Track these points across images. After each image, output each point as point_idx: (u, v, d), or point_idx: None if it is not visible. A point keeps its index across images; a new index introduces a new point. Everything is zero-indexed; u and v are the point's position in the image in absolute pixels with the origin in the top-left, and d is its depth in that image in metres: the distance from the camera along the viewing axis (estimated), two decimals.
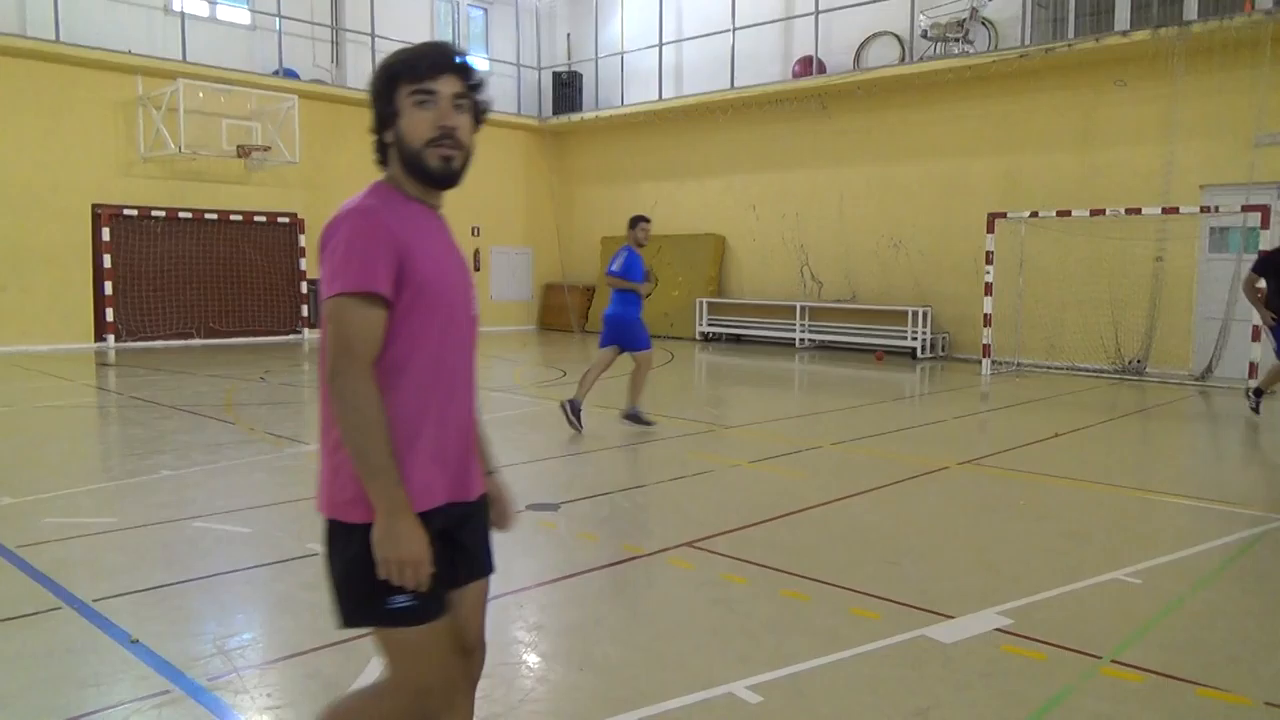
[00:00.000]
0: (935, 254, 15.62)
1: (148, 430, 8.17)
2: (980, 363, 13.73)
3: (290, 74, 17.38)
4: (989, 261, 13.35)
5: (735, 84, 17.82)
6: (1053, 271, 13.86)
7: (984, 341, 13.55)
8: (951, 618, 4.01)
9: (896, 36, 16.22)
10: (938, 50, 15.36)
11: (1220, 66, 12.18)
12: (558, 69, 21.48)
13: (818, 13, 16.77)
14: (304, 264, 17.80)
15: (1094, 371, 13.24)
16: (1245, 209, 11.19)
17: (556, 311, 21.53)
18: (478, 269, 20.92)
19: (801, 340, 17.16)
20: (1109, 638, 3.84)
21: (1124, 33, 12.99)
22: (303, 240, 17.74)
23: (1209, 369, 12.44)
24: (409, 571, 1.88)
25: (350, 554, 1.95)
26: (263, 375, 12.43)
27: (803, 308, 17.10)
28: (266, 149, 16.35)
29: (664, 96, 19.26)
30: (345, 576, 1.98)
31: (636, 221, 8.60)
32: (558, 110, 21.11)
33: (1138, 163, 13.31)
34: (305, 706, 3.14)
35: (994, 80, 14.66)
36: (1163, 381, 12.53)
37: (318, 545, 4.78)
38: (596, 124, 20.66)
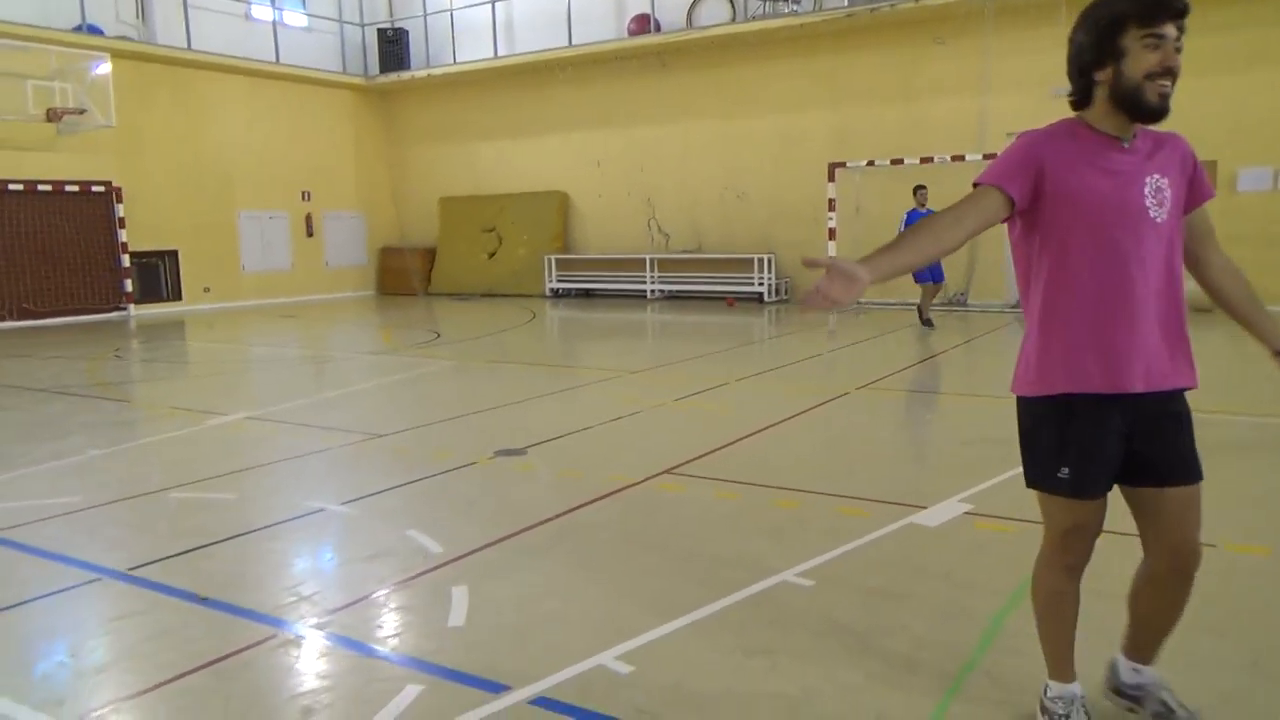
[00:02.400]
0: (775, 203, 16.59)
1: (33, 415, 7.66)
2: None
3: (93, 30, 16.01)
4: (831, 209, 14.39)
5: (573, 41, 18.00)
6: (883, 216, 15.07)
7: None
8: (925, 507, 4.67)
9: None
10: (767, 10, 16.19)
11: (1025, 25, 13.63)
12: (381, 25, 20.83)
13: None
14: (123, 235, 16.58)
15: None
16: None
17: (397, 275, 21.11)
18: (310, 235, 20.17)
19: (652, 291, 17.79)
20: None
21: None
22: (120, 210, 16.50)
23: None
24: (818, 299, 2.10)
25: (1028, 426, 2.45)
26: (116, 352, 11.69)
27: (652, 259, 17.72)
28: (81, 112, 15.06)
29: (498, 54, 19.17)
30: (1027, 445, 2.46)
31: (917, 189, 12.02)
32: (385, 69, 20.51)
33: (953, 114, 14.68)
34: (405, 637, 3.36)
35: (822, 38, 15.66)
36: (984, 311, 14.04)
37: (317, 502, 4.90)
38: (429, 83, 20.27)
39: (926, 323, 12.30)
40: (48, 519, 4.77)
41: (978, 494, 4.86)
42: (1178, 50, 2.22)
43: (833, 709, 2.78)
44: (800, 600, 3.60)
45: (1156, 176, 2.30)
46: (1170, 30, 2.19)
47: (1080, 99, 2.36)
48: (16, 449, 6.36)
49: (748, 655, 3.13)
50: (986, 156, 13.51)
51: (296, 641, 3.31)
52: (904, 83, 15.15)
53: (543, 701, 2.85)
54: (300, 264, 19.98)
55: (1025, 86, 13.92)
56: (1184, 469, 2.37)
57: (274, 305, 18.58)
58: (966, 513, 4.59)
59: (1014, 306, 14.05)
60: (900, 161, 14.07)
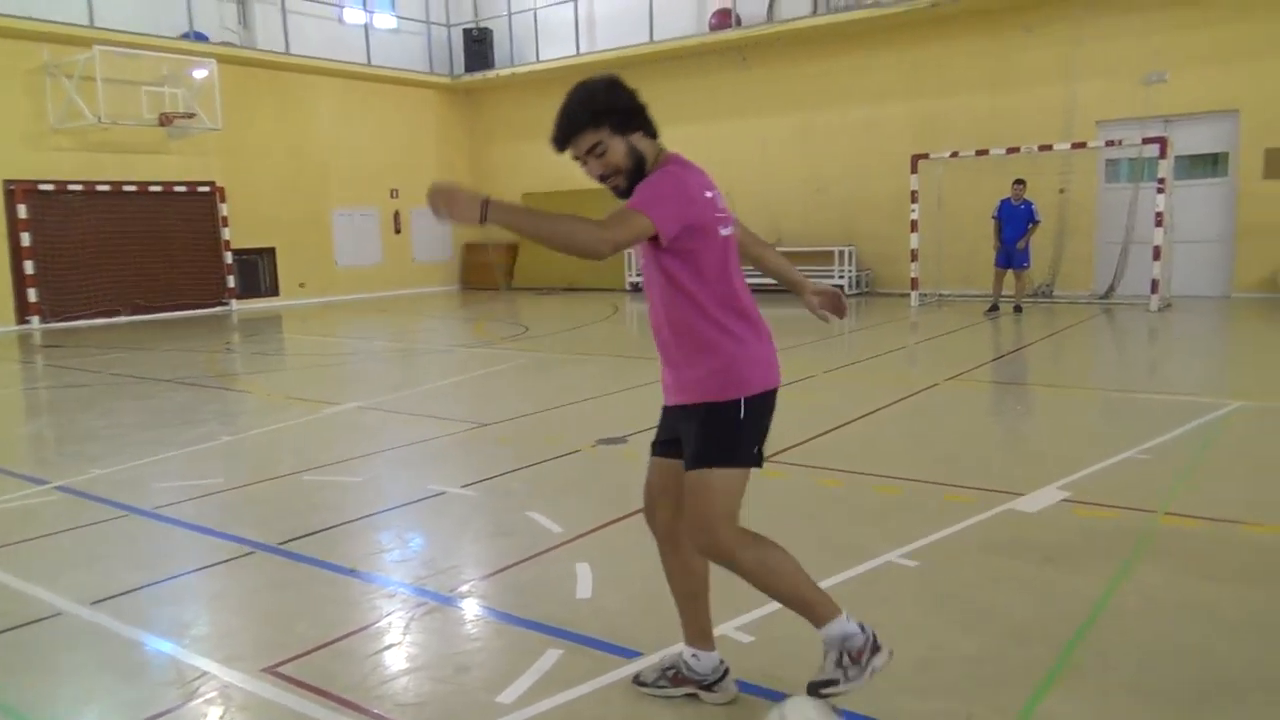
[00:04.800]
0: (857, 196, 16.58)
1: (168, 403, 8.22)
2: (908, 295, 14.81)
3: (199, 37, 16.82)
4: (914, 200, 14.36)
5: (654, 37, 18.23)
6: (966, 207, 14.96)
7: (912, 275, 14.61)
8: (1023, 494, 4.80)
9: None
10: (850, 1, 16.18)
11: (1117, 11, 13.41)
12: (467, 25, 21.36)
13: None
14: (227, 233, 17.39)
15: (1008, 297, 14.45)
16: (1145, 141, 12.48)
17: (480, 270, 21.66)
18: (398, 231, 20.82)
19: None
20: (1153, 497, 4.70)
21: None
22: (224, 209, 17.30)
23: (1111, 288, 13.83)
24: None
25: (731, 420, 2.68)
26: (226, 345, 12.34)
27: None
28: (191, 115, 15.86)
29: (580, 52, 19.50)
30: (727, 434, 2.68)
31: (1016, 182, 12.74)
32: (470, 68, 21.03)
33: (1040, 102, 14.50)
34: (539, 607, 3.64)
35: (906, 29, 15.60)
36: (1071, 302, 13.87)
37: (438, 485, 5.23)
38: (512, 81, 20.72)
39: (1016, 309, 12.95)
40: (198, 498, 5.21)
41: (1072, 483, 4.97)
42: (598, 157, 2.64)
43: (949, 675, 2.97)
44: (908, 579, 3.78)
45: None
46: (573, 153, 2.65)
47: None
48: (160, 434, 6.88)
49: None
50: (1075, 145, 13.35)
51: (442, 609, 3.63)
52: (989, 72, 15.01)
53: None
54: (389, 259, 20.67)
55: (1116, 74, 13.69)
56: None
57: (365, 300, 19.27)
58: (1064, 500, 4.70)
59: (1102, 298, 13.86)
60: (985, 152, 13.95)
